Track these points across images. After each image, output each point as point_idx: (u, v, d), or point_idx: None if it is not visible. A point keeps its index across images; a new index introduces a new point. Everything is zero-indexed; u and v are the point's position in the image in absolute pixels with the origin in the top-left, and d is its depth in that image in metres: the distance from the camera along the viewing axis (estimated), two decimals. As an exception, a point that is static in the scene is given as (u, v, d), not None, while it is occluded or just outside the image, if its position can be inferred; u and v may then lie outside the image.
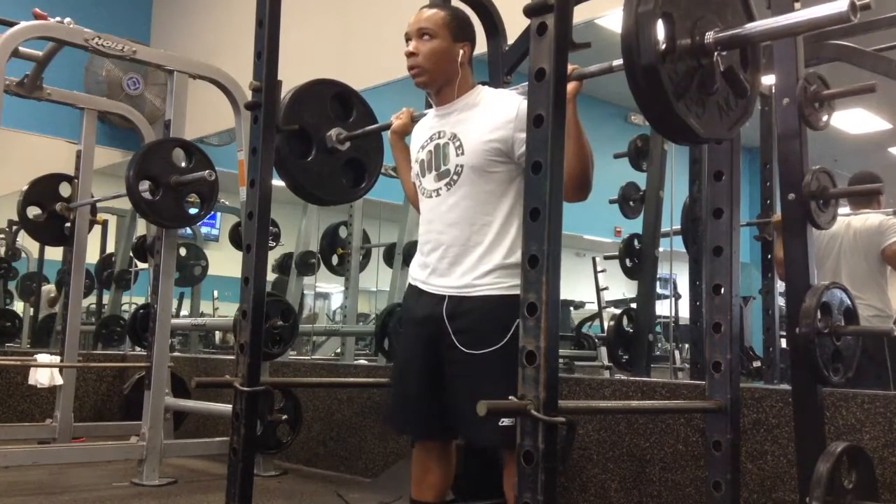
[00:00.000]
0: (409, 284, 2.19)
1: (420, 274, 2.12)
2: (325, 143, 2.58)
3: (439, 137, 2.11)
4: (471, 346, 1.96)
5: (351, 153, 2.64)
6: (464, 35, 2.12)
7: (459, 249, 2.03)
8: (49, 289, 6.67)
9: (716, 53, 1.45)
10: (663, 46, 1.39)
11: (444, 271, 2.05)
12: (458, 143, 2.05)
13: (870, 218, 3.33)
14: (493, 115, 2.02)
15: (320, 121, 2.59)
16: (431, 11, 2.13)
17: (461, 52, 2.10)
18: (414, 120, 2.32)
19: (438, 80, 2.11)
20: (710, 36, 1.44)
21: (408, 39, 2.12)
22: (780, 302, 3.60)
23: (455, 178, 2.05)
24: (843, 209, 3.45)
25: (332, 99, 2.63)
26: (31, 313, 6.77)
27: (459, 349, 1.98)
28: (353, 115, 2.67)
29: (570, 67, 1.78)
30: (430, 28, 2.08)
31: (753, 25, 1.48)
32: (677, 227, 3.86)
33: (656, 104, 1.41)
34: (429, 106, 2.28)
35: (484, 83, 2.21)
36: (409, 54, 2.10)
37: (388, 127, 2.41)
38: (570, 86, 1.80)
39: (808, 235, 1.99)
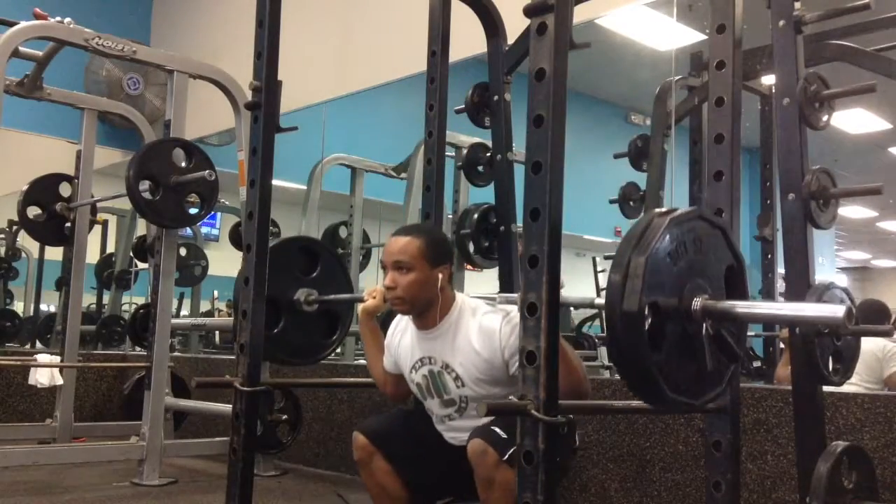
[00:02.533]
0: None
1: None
2: (293, 307, 2.59)
3: (431, 363, 2.16)
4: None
5: (321, 307, 2.65)
6: (440, 259, 2.14)
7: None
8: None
9: (704, 323, 1.39)
10: (649, 325, 1.31)
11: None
12: (454, 375, 2.11)
13: (874, 341, 3.34)
14: (480, 345, 2.06)
15: (287, 283, 2.58)
16: (405, 241, 2.14)
17: (440, 276, 2.12)
18: (387, 300, 2.26)
19: (419, 308, 2.15)
20: (697, 304, 1.38)
21: (384, 268, 2.14)
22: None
23: (463, 406, 2.14)
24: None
25: (298, 254, 2.65)
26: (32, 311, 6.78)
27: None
28: (319, 269, 2.66)
29: (517, 296, 1.85)
30: (406, 261, 2.11)
31: (742, 306, 1.41)
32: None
33: (646, 390, 1.35)
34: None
35: (460, 296, 2.22)
36: (388, 287, 2.13)
37: (360, 299, 2.40)
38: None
39: (808, 235, 1.99)
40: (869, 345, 3.31)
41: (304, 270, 2.65)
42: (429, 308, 2.14)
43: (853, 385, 3.28)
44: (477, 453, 1.91)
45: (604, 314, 1.32)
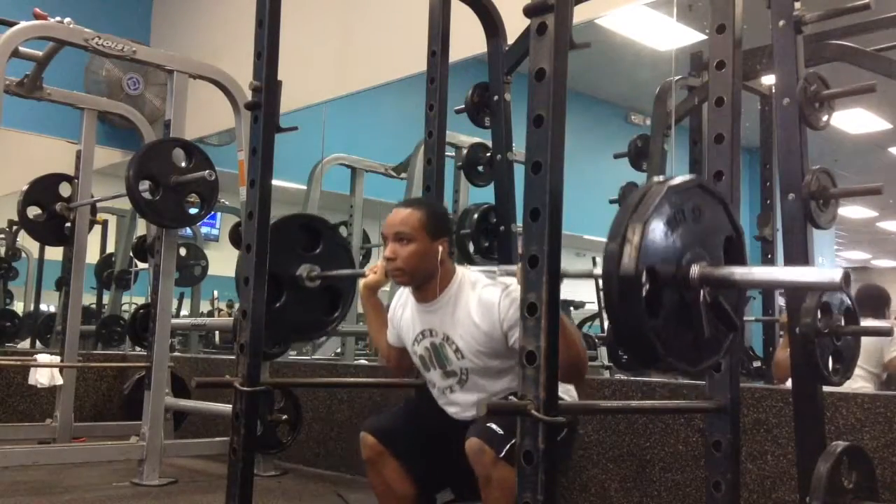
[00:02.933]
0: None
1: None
2: (295, 282, 2.58)
3: (432, 336, 2.18)
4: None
5: (323, 283, 2.64)
6: (441, 232, 2.16)
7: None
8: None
9: (702, 290, 1.38)
10: (646, 291, 1.30)
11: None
12: (454, 347, 2.13)
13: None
14: (479, 318, 2.08)
15: (289, 259, 2.58)
16: (407, 213, 2.15)
17: (440, 248, 2.14)
18: (388, 275, 2.29)
19: (418, 280, 2.16)
20: (695, 271, 1.36)
21: (385, 240, 2.15)
22: (780, 302, 3.60)
23: (464, 378, 2.15)
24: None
25: (299, 231, 2.64)
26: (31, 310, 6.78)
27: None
28: (321, 246, 2.66)
29: (517, 268, 1.86)
30: (406, 232, 2.13)
31: (741, 271, 1.41)
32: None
33: (643, 355, 1.35)
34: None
35: (464, 266, 2.27)
36: (388, 258, 2.15)
37: (361, 275, 2.42)
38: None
39: (808, 235, 1.99)
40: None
41: (307, 247, 2.64)
42: (428, 280, 2.15)
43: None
44: (474, 452, 1.92)
45: (601, 284, 1.30)
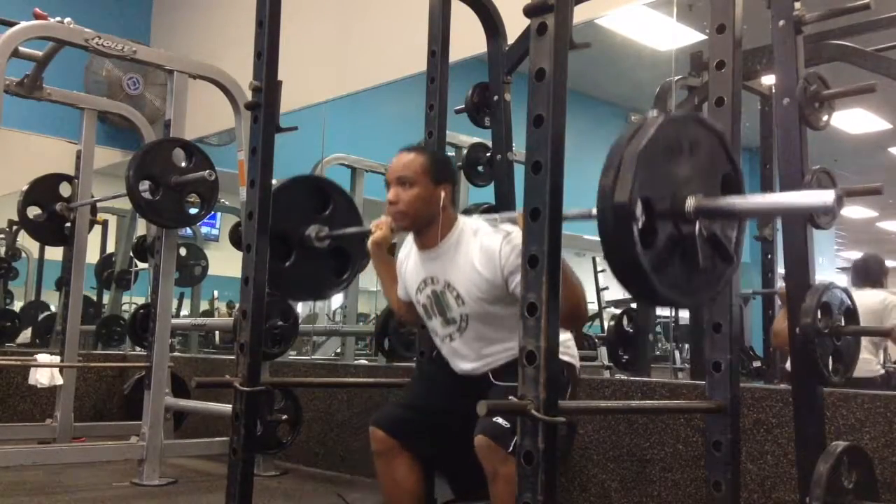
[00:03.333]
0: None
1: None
2: (304, 242, 2.59)
3: (434, 283, 2.18)
4: (502, 380, 2.09)
5: (332, 244, 2.66)
6: (443, 177, 2.17)
7: (480, 363, 2.18)
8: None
9: (697, 222, 1.37)
10: (641, 222, 1.29)
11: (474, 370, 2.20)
12: (455, 293, 2.14)
13: (874, 295, 3.36)
14: (481, 264, 2.09)
15: (299, 219, 2.59)
16: (410, 157, 2.16)
17: (442, 194, 2.15)
18: (394, 230, 2.32)
19: (420, 225, 2.18)
20: (690, 204, 1.36)
21: (388, 185, 2.15)
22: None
23: (463, 325, 2.16)
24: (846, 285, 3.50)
25: (309, 193, 2.64)
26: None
27: (492, 381, 2.12)
28: (331, 208, 2.67)
29: (518, 215, 1.86)
30: (409, 176, 2.14)
31: (736, 200, 1.41)
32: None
33: (637, 286, 1.35)
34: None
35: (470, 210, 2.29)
36: (390, 202, 2.16)
37: (368, 231, 2.42)
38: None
39: (808, 235, 1.99)
40: (867, 300, 3.33)
41: (317, 209, 2.65)
42: (430, 226, 2.16)
43: None
44: (482, 449, 1.93)
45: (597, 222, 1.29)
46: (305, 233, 2.60)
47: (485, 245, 2.10)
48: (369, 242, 2.39)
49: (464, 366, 2.22)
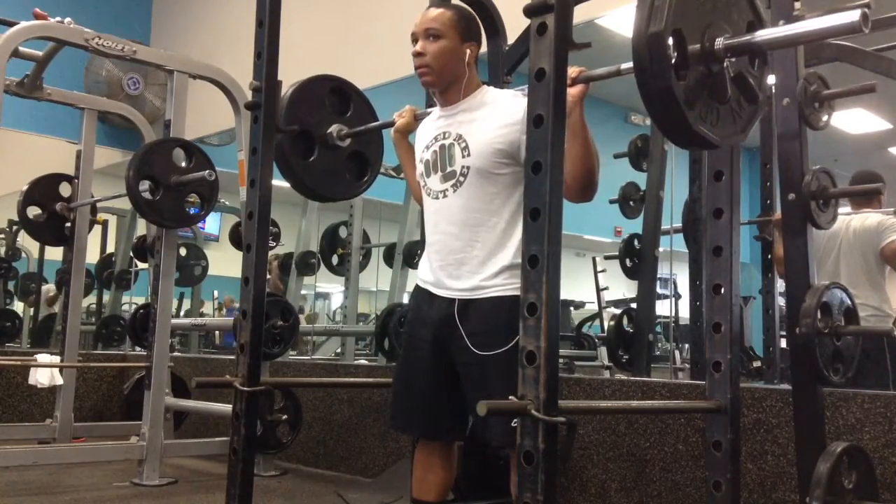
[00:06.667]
0: (418, 286, 2.19)
1: (428, 276, 2.13)
2: (326, 141, 2.58)
3: (444, 138, 2.11)
4: (482, 348, 1.96)
5: (352, 147, 2.65)
6: (471, 35, 2.12)
7: (467, 251, 2.03)
8: (48, 288, 6.68)
9: (726, 60, 1.44)
10: (674, 58, 1.37)
11: (453, 273, 2.05)
12: (463, 145, 2.06)
13: (869, 217, 3.33)
14: (499, 117, 2.02)
15: (320, 118, 2.59)
16: (438, 11, 2.12)
17: (468, 51, 2.09)
18: (417, 118, 2.31)
19: (445, 80, 2.10)
20: (720, 43, 1.42)
21: (414, 40, 2.12)
22: (780, 302, 3.60)
23: (461, 179, 2.05)
24: (844, 209, 3.44)
25: (330, 94, 2.63)
26: (31, 313, 6.78)
27: (472, 350, 1.98)
28: (351, 110, 2.67)
29: (576, 70, 1.80)
30: (437, 28, 2.08)
31: (764, 33, 1.47)
32: (678, 224, 3.86)
33: (670, 117, 1.40)
34: (431, 104, 2.27)
35: (486, 83, 2.22)
36: (417, 54, 2.09)
37: (390, 124, 2.40)
38: (577, 89, 1.82)
39: (808, 235, 2.00)
40: (863, 222, 3.31)
41: (337, 110, 2.66)
42: (454, 83, 2.11)
43: (850, 261, 3.30)
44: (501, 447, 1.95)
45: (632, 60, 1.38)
46: (327, 131, 2.60)
47: (507, 102, 2.07)
48: (392, 130, 2.38)
49: (453, 283, 2.05)
